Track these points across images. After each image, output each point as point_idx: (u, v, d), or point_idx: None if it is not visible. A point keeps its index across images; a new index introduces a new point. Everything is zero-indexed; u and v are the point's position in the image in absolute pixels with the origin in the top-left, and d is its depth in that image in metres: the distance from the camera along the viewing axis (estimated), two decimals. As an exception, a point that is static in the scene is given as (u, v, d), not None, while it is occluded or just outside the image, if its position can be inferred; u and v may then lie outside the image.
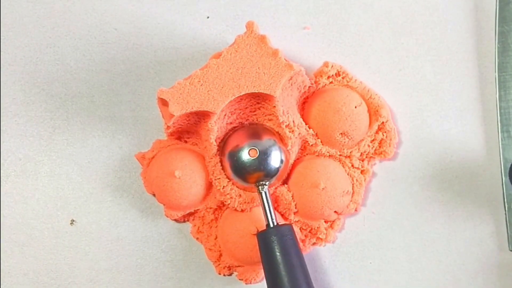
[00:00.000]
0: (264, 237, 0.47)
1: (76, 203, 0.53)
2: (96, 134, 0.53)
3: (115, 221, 0.53)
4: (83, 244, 0.53)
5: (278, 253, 0.46)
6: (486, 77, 0.53)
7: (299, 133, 0.50)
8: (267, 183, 0.49)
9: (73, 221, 0.53)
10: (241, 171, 0.50)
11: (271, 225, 0.48)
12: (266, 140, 0.50)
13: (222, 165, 0.50)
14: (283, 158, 0.50)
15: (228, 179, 0.51)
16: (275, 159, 0.50)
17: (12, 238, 0.53)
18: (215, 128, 0.49)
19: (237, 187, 0.51)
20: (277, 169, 0.50)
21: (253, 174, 0.49)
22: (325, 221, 0.52)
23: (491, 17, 0.52)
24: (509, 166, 0.50)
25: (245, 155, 0.49)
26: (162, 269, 0.53)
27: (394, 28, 0.54)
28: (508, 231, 0.51)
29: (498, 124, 0.51)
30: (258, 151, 0.49)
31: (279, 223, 0.48)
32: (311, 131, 0.51)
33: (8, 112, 0.53)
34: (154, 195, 0.51)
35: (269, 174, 0.50)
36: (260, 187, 0.49)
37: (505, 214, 0.51)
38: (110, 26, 0.54)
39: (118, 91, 0.53)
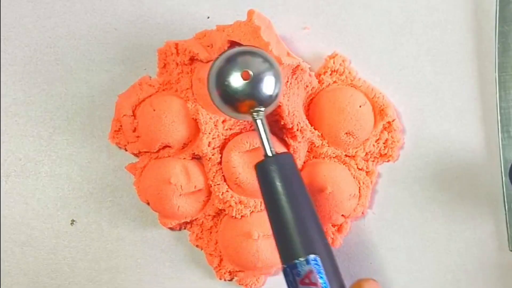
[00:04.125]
0: (262, 167, 0.43)
1: (76, 203, 0.53)
2: (96, 134, 0.53)
3: (115, 221, 0.53)
4: (83, 244, 0.53)
5: (278, 183, 0.41)
6: (486, 77, 0.53)
7: (303, 137, 0.50)
8: (263, 109, 0.44)
9: (73, 221, 0.53)
10: (231, 98, 0.44)
11: (269, 154, 0.43)
12: (260, 63, 0.44)
13: (213, 100, 0.45)
14: (280, 83, 0.45)
15: (220, 112, 0.46)
16: (269, 84, 0.44)
17: (12, 238, 0.53)
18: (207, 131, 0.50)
19: (227, 115, 0.47)
20: (274, 96, 0.45)
21: (244, 101, 0.44)
22: (332, 225, 0.52)
23: (491, 17, 0.52)
24: (509, 166, 0.50)
25: (237, 79, 0.44)
26: (162, 269, 0.53)
27: (394, 28, 0.54)
28: (508, 231, 0.51)
29: (498, 124, 0.51)
30: (251, 74, 0.44)
31: (278, 152, 0.44)
32: (316, 132, 0.51)
33: (8, 112, 0.53)
34: (148, 203, 0.51)
35: (263, 102, 0.44)
36: (254, 114, 0.44)
37: (505, 214, 0.51)
38: (110, 26, 0.54)
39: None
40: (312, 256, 0.39)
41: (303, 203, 0.42)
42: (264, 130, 0.44)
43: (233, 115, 0.46)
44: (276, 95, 0.45)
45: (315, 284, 0.39)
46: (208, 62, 0.50)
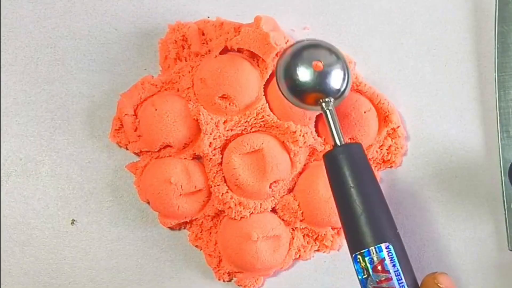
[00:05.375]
0: (331, 157, 0.42)
1: (76, 203, 0.53)
2: (97, 134, 0.53)
3: (115, 221, 0.53)
4: (84, 244, 0.53)
5: (347, 172, 0.41)
6: (486, 77, 0.53)
7: (305, 142, 0.50)
8: (332, 100, 0.44)
9: (74, 220, 0.53)
10: (299, 91, 0.44)
11: (339, 144, 0.43)
12: (327, 55, 0.44)
13: (279, 89, 0.45)
14: (348, 77, 0.45)
15: (288, 100, 0.46)
16: (337, 77, 0.44)
17: (13, 238, 0.53)
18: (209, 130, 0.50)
19: (296, 106, 0.46)
20: (343, 90, 0.45)
21: (311, 93, 0.44)
22: (332, 228, 0.52)
23: (490, 17, 0.52)
24: (508, 166, 0.50)
25: (306, 72, 0.43)
26: (162, 269, 0.53)
27: (394, 28, 0.54)
28: (508, 231, 0.51)
29: (497, 124, 0.51)
30: (322, 65, 0.44)
31: (347, 142, 0.43)
32: (319, 139, 0.51)
33: (8, 112, 0.53)
34: (148, 203, 0.52)
35: (331, 94, 0.44)
36: (324, 104, 0.44)
37: (505, 214, 0.51)
38: (110, 26, 0.54)
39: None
40: (385, 244, 0.39)
41: (373, 191, 0.41)
42: (333, 120, 0.43)
43: (301, 106, 0.46)
44: (345, 89, 0.45)
45: (388, 272, 0.38)
46: (197, 56, 0.51)
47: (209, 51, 0.51)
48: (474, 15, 0.53)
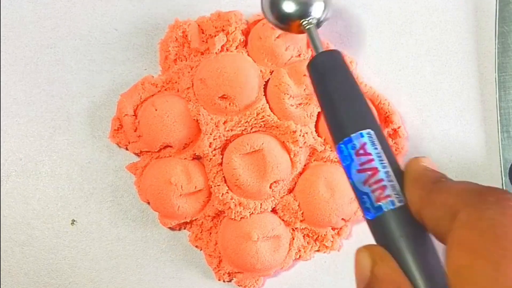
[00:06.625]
0: (313, 64, 0.43)
1: (76, 203, 0.53)
2: (97, 134, 0.53)
3: (115, 221, 0.53)
4: (84, 244, 0.53)
5: (328, 74, 0.42)
6: (486, 77, 0.53)
7: (305, 142, 0.50)
8: (314, 20, 0.47)
9: (74, 221, 0.53)
10: (286, 19, 0.48)
11: (320, 51, 0.44)
12: None
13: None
14: (329, 6, 0.48)
15: (270, 22, 0.48)
16: (319, 8, 0.47)
17: (13, 238, 0.53)
18: (209, 131, 0.50)
19: (279, 28, 0.49)
20: (323, 19, 0.48)
21: (296, 22, 0.47)
22: (332, 228, 0.52)
23: (491, 17, 0.52)
24: (509, 166, 0.50)
25: (289, 5, 0.47)
26: (162, 269, 0.53)
27: (394, 28, 0.54)
28: (508, 231, 0.51)
29: (498, 124, 0.51)
30: None
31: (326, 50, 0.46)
32: (319, 139, 0.51)
33: (8, 112, 0.53)
34: (148, 203, 0.52)
35: (311, 16, 0.47)
36: (305, 24, 0.47)
37: (505, 214, 0.51)
38: (110, 26, 0.54)
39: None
40: (367, 130, 0.39)
41: (352, 87, 0.42)
42: (314, 36, 0.46)
43: (289, 31, 0.49)
44: (325, 18, 0.48)
45: (369, 154, 0.38)
46: (197, 54, 0.51)
47: (208, 48, 0.51)
48: (474, 15, 0.53)
